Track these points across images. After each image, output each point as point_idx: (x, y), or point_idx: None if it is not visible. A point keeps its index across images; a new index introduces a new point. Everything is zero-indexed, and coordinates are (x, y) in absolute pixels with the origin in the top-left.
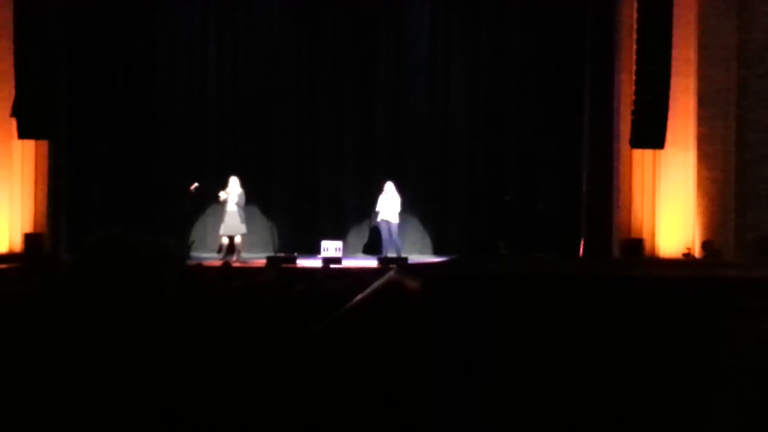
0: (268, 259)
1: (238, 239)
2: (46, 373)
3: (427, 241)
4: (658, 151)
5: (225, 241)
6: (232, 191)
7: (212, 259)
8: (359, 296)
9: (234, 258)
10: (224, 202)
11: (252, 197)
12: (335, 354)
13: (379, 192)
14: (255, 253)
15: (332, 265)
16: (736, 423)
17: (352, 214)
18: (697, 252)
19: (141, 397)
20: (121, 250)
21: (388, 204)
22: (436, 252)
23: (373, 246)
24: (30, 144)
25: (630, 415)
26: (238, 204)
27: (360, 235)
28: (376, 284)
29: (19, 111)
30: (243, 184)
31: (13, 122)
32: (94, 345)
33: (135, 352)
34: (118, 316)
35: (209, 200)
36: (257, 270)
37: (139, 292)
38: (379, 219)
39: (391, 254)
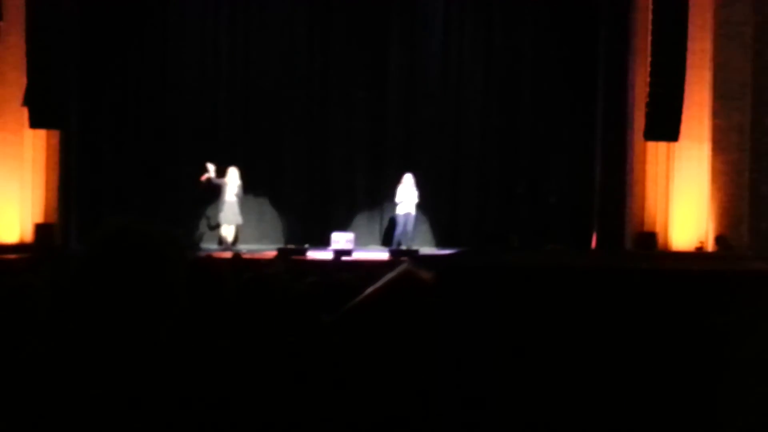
0: (279, 250)
1: (233, 229)
2: (56, 363)
3: (438, 233)
4: (672, 144)
5: (224, 231)
6: (231, 182)
7: (214, 250)
8: (371, 288)
9: (223, 246)
10: (223, 193)
11: (263, 189)
12: (347, 345)
13: (390, 183)
14: (265, 245)
15: (343, 257)
16: (748, 417)
17: (362, 206)
18: (710, 246)
19: (152, 388)
20: (133, 240)
21: (407, 195)
22: (447, 244)
23: (390, 237)
24: (41, 134)
25: (641, 410)
26: (237, 195)
27: (371, 227)
28: (388, 276)
29: (30, 100)
30: (243, 176)
31: (25, 111)
32: (105, 336)
33: (146, 343)
34: (130, 306)
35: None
36: (268, 262)
37: (151, 283)
38: (397, 210)
39: (403, 246)
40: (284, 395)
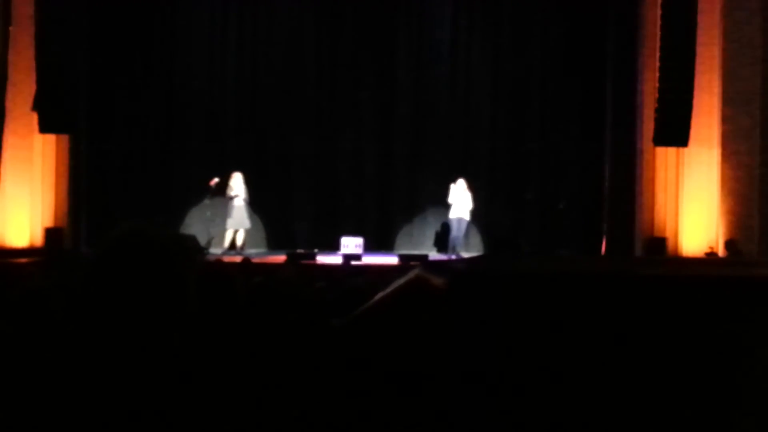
0: (288, 255)
1: (242, 233)
2: (69, 367)
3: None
4: (681, 149)
5: (230, 235)
6: (237, 187)
7: (224, 254)
8: (382, 293)
9: (235, 251)
10: (231, 198)
11: (272, 193)
12: (358, 350)
13: (399, 187)
14: (275, 250)
15: (352, 262)
16: (762, 419)
17: (372, 210)
18: (720, 251)
19: (164, 392)
20: (143, 243)
21: (460, 200)
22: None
23: (441, 242)
24: (51, 138)
25: (655, 414)
26: (245, 200)
27: (380, 231)
28: (400, 281)
29: (40, 105)
30: (251, 180)
31: (35, 116)
32: (116, 340)
33: (158, 347)
34: (141, 310)
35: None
36: (277, 266)
37: (162, 287)
38: (450, 215)
39: (459, 251)
40: (294, 399)
